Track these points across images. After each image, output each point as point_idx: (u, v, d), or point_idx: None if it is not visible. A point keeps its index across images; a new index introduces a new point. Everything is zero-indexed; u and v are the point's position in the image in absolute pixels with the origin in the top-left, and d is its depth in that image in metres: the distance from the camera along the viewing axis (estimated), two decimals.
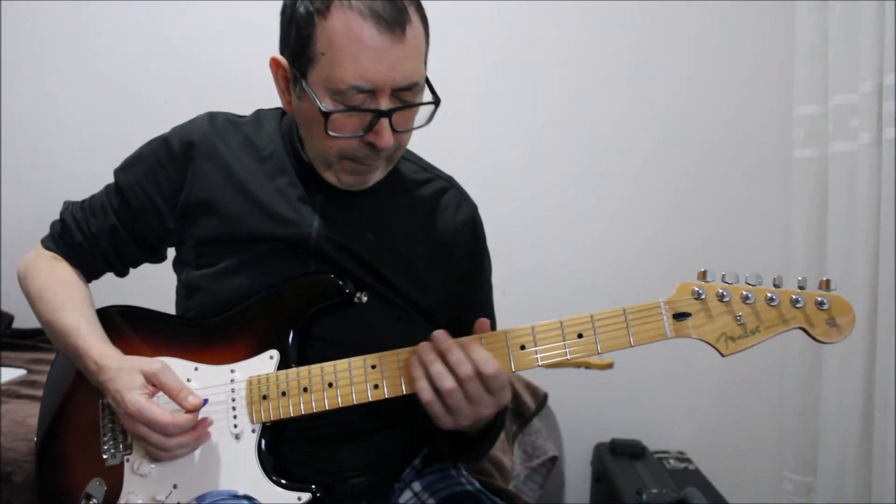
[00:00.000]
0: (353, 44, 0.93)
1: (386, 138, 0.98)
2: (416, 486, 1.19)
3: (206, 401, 1.02)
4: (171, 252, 1.23)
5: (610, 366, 1.98)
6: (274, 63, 1.04)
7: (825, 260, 2.02)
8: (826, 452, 2.01)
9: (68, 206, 1.22)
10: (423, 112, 1.02)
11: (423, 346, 0.97)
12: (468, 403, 0.94)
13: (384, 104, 0.97)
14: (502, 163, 2.28)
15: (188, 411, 1.00)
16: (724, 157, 2.24)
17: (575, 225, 2.30)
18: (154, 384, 1.01)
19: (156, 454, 1.02)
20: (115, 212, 1.17)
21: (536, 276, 2.25)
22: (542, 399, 2.20)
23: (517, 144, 2.29)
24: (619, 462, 2.09)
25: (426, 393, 0.94)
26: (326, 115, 0.96)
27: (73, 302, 1.12)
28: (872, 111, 1.83)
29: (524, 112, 2.29)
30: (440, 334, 0.96)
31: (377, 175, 1.07)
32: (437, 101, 1.01)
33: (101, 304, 1.17)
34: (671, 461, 2.14)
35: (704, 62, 2.23)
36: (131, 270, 1.25)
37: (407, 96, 0.98)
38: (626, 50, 2.25)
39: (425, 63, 1.02)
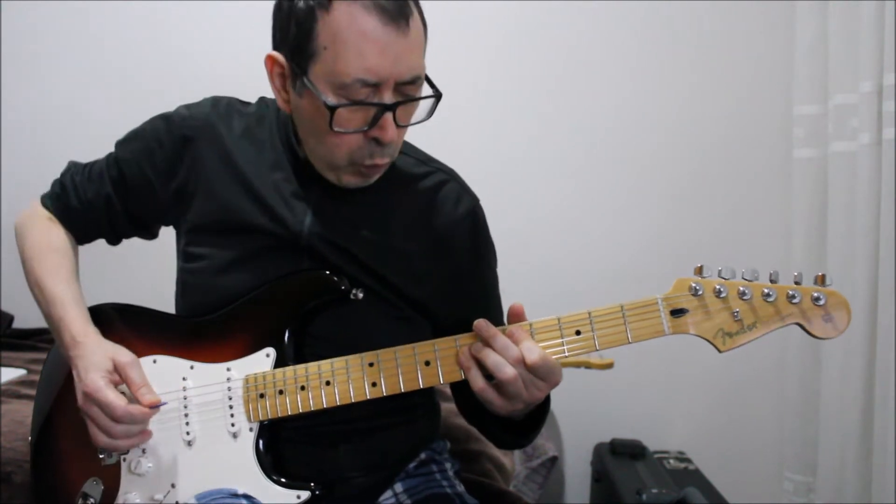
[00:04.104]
0: (358, 37, 0.92)
1: (390, 132, 0.97)
2: (398, 486, 1.18)
3: (163, 403, 1.02)
4: (166, 238, 1.22)
5: (610, 365, 1.98)
6: (269, 60, 1.02)
7: (825, 260, 2.02)
8: (826, 452, 2.01)
9: (70, 168, 1.22)
10: (422, 107, 1.02)
11: (474, 340, 0.96)
12: (524, 388, 0.94)
13: (388, 98, 0.96)
14: (502, 162, 2.28)
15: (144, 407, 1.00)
16: (725, 157, 2.24)
17: (575, 225, 2.30)
18: (120, 374, 1.01)
19: (99, 438, 1.01)
20: (111, 181, 1.17)
21: (537, 275, 2.24)
22: None
23: (517, 144, 2.29)
24: (619, 462, 2.09)
25: (478, 381, 0.95)
26: (332, 109, 0.94)
27: (64, 272, 1.13)
28: (872, 111, 1.83)
29: (524, 111, 2.29)
30: (481, 323, 0.95)
31: (379, 173, 1.06)
32: (438, 95, 1.00)
33: (101, 301, 1.16)
34: (671, 461, 2.13)
35: (705, 62, 2.23)
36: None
37: (410, 90, 0.98)
38: (626, 50, 2.25)
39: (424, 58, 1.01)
